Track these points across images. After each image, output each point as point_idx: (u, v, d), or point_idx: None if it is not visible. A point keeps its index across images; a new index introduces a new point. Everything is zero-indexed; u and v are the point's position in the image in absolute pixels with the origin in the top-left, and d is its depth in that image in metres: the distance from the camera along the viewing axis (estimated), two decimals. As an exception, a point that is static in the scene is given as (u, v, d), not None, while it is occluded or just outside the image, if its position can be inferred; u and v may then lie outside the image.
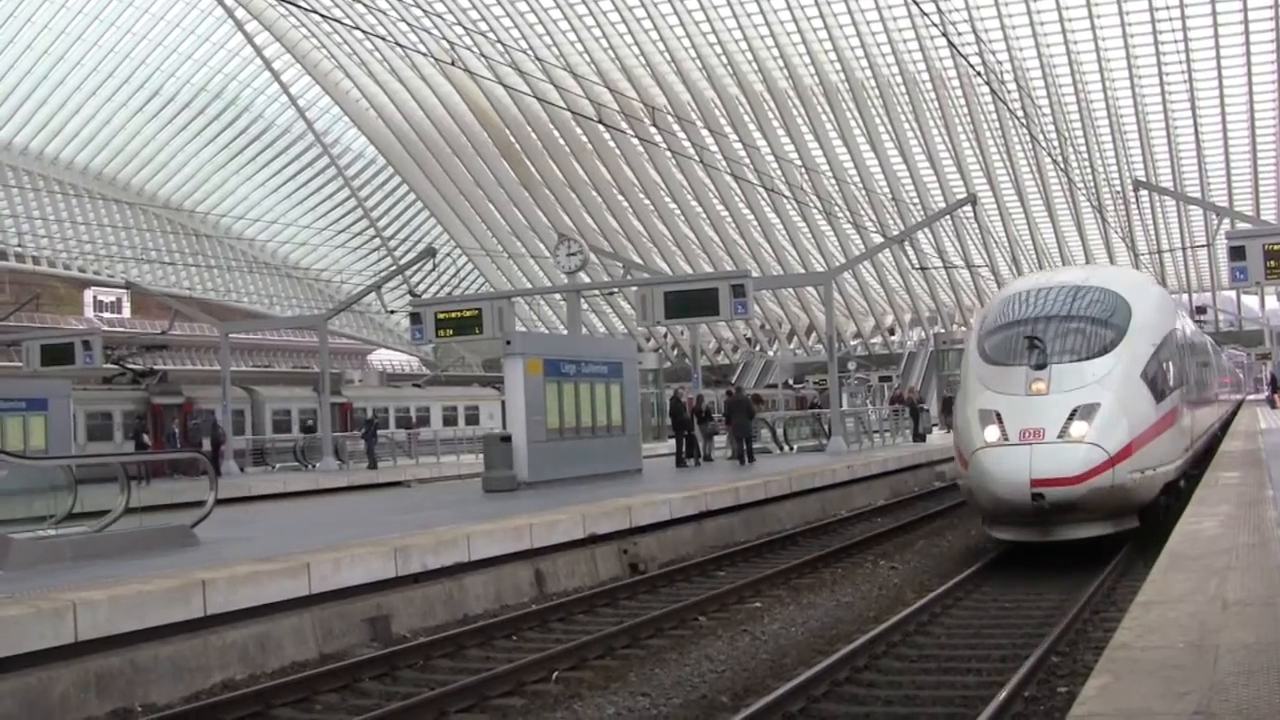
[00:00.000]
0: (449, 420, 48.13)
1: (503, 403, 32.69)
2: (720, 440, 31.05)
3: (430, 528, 14.51)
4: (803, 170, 68.97)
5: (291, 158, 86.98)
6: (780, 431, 35.55)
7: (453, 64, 41.58)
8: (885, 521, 21.08)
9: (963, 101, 69.35)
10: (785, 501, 21.19)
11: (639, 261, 64.09)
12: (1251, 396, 61.88)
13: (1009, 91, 62.76)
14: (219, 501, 15.34)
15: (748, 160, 67.76)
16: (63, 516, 14.43)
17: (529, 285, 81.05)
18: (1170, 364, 15.35)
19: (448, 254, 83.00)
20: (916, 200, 74.00)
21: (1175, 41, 62.77)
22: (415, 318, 31.16)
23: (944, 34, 46.24)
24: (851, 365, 63.28)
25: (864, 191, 73.71)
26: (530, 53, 62.20)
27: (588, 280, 38.72)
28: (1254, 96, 66.73)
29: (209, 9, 72.33)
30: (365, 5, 53.69)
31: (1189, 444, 16.61)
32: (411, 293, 39.11)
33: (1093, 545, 14.02)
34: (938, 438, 35.80)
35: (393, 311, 66.84)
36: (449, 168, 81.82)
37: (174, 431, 34.89)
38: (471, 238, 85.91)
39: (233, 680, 10.06)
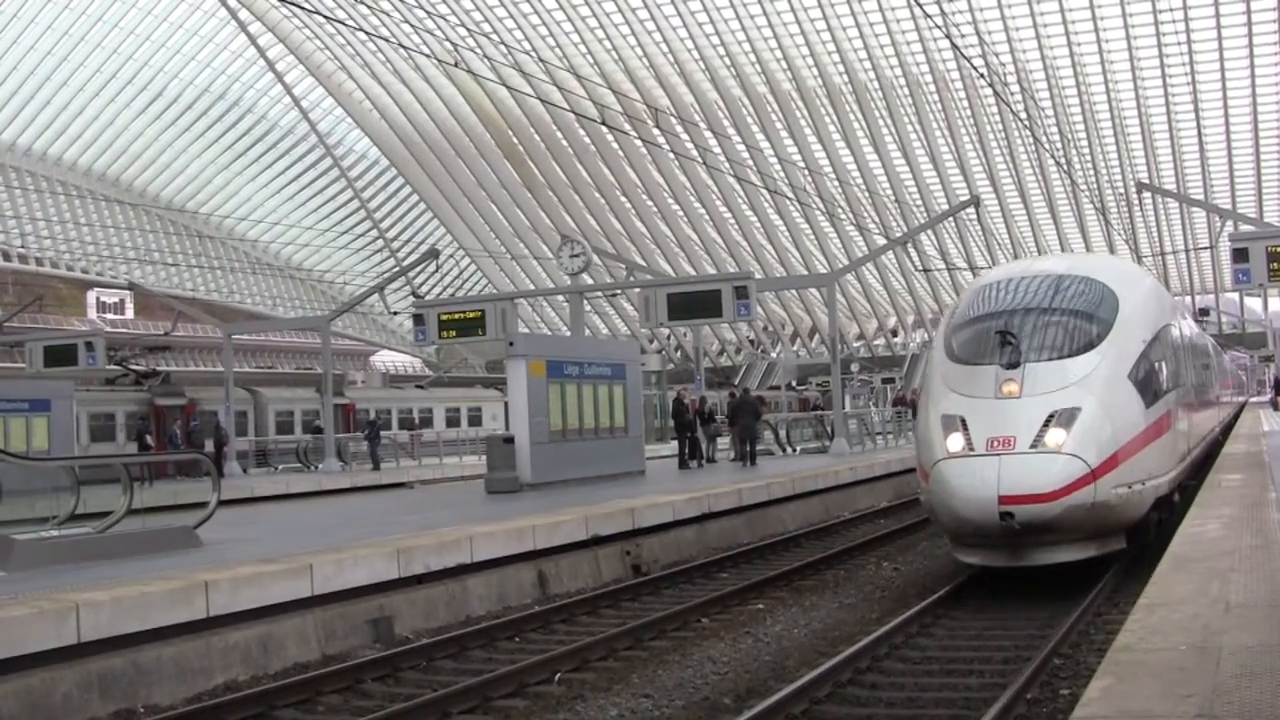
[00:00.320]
0: (452, 421, 48.16)
1: (505, 404, 32.75)
2: (723, 442, 31.04)
3: (433, 529, 14.52)
4: (805, 171, 68.97)
5: (294, 159, 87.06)
6: (783, 433, 35.55)
7: (456, 65, 41.54)
8: (888, 523, 21.06)
9: (966, 103, 69.34)
10: (788, 503, 21.19)
11: (642, 263, 64.17)
12: (1254, 399, 61.79)
13: (1012, 93, 62.78)
14: (222, 503, 15.36)
15: (750, 161, 67.77)
16: (65, 517, 14.45)
17: (532, 287, 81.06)
18: (1163, 363, 13.72)
19: (450, 255, 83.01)
20: (919, 201, 74.02)
21: (1179, 43, 62.77)
22: (418, 319, 31.17)
23: (947, 35, 46.23)
24: (854, 367, 63.29)
25: (867, 193, 73.72)
26: (533, 54, 62.22)
27: (590, 282, 38.69)
28: (1257, 97, 66.73)
29: (212, 10, 72.41)
30: (368, 6, 53.70)
31: (1185, 452, 14.95)
32: (414, 294, 39.10)
33: (1079, 565, 12.36)
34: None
35: (396, 313, 66.98)
36: (452, 169, 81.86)
37: (174, 432, 34.92)
38: (474, 239, 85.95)
39: (235, 681, 10.07)
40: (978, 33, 60.32)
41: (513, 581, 13.77)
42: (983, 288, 14.28)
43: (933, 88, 69.06)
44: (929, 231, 64.86)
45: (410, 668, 10.51)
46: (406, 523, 15.77)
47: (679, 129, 66.57)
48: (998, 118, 69.03)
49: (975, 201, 37.98)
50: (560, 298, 68.42)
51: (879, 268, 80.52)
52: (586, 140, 76.15)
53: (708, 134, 69.35)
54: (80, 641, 9.26)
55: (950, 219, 61.09)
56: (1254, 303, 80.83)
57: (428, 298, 41.98)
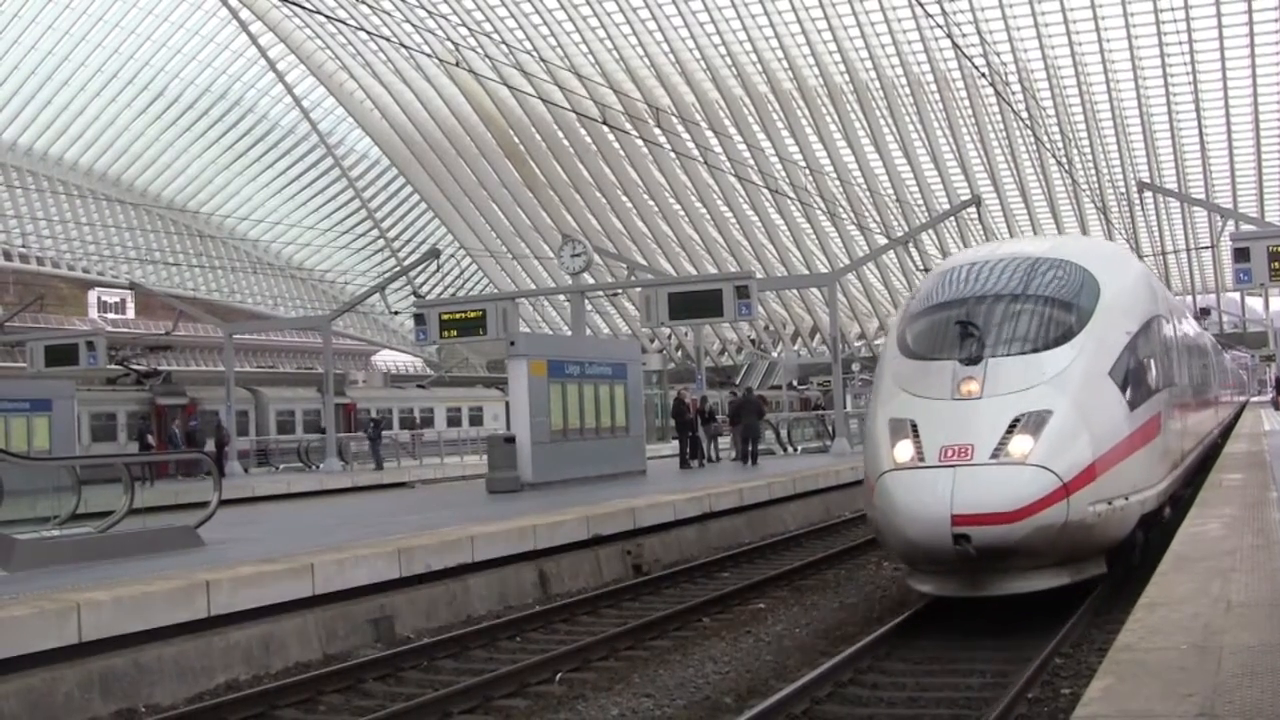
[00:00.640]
0: (453, 421, 48.19)
1: (506, 404, 32.78)
2: (724, 441, 31.03)
3: (434, 529, 14.52)
4: (806, 171, 69.01)
5: (295, 159, 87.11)
6: (784, 433, 35.55)
7: (457, 65, 41.63)
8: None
9: (967, 102, 69.37)
10: (789, 503, 21.19)
11: (643, 262, 64.16)
12: (1255, 399, 61.77)
13: (1013, 92, 62.78)
14: (223, 502, 15.37)
15: (751, 161, 67.81)
16: (66, 517, 14.46)
17: (533, 286, 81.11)
18: (1152, 358, 12.11)
19: (452, 255, 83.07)
20: (920, 201, 74.03)
21: (1180, 42, 62.80)
22: (419, 319, 31.19)
23: (948, 35, 46.26)
24: (855, 366, 63.27)
25: (868, 192, 73.75)
26: (534, 54, 62.23)
27: (592, 281, 38.73)
28: (1259, 97, 66.75)
29: (213, 10, 72.47)
30: (369, 6, 53.75)
31: (1178, 460, 13.25)
32: (415, 294, 39.11)
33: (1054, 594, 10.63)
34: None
35: (397, 312, 66.99)
36: (453, 168, 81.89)
37: (175, 432, 34.93)
38: (475, 239, 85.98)
39: (237, 681, 10.07)
40: (979, 32, 60.35)
41: (514, 581, 13.77)
42: (945, 272, 12.50)
43: (934, 87, 69.08)
44: (930, 231, 64.89)
45: (411, 667, 10.51)
46: (407, 522, 15.78)
47: (680, 128, 66.61)
48: (999, 117, 69.05)
49: (976, 201, 37.99)
50: (561, 297, 68.43)
51: (880, 267, 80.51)
52: (587, 139, 76.18)
53: (709, 133, 69.38)
54: (81, 641, 9.26)
55: (951, 218, 61.08)
56: (1255, 302, 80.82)
57: (429, 297, 42.02)
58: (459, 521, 15.43)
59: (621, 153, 76.43)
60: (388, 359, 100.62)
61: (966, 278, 11.99)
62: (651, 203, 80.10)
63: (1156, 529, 11.77)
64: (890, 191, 74.06)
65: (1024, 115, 60.71)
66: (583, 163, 78.86)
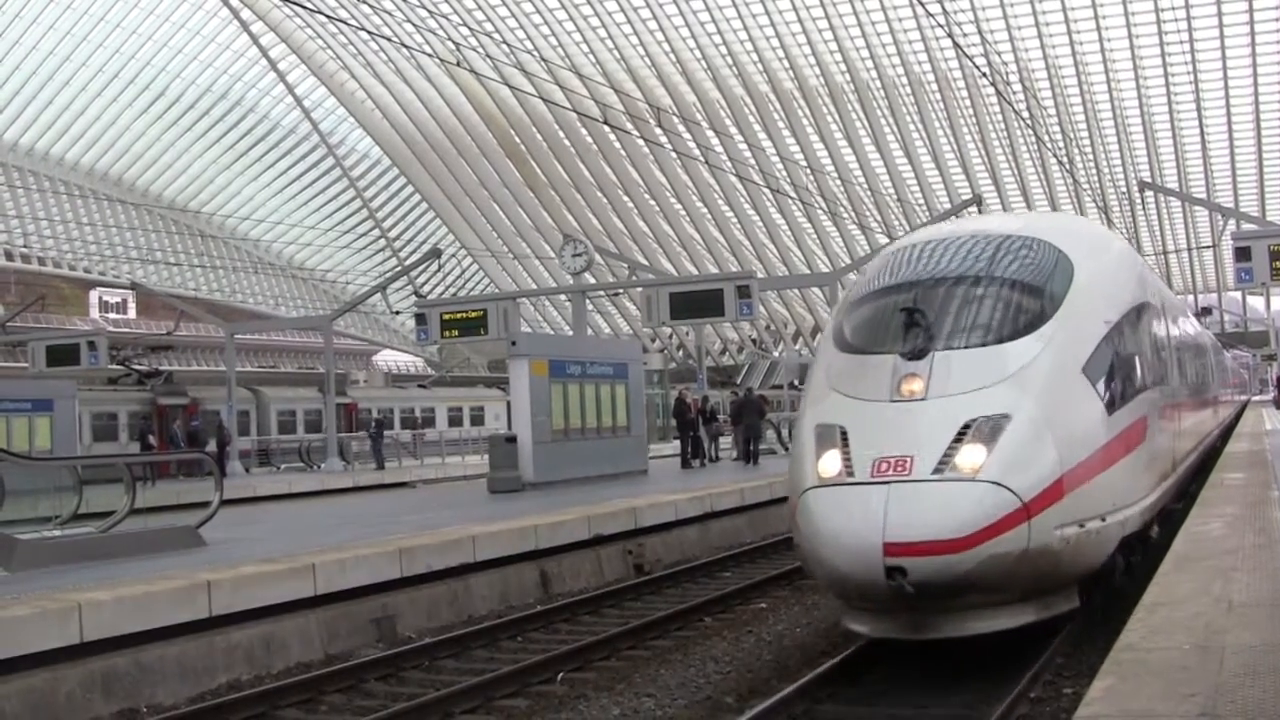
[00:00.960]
0: (454, 421, 48.21)
1: (508, 403, 32.78)
2: (725, 441, 31.02)
3: (435, 528, 14.52)
4: (807, 171, 69.02)
5: (297, 159, 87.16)
6: (785, 432, 35.54)
7: (458, 65, 41.68)
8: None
9: (967, 102, 69.36)
10: (790, 502, 21.14)
11: (644, 262, 64.14)
12: (1256, 398, 61.75)
13: (1014, 92, 62.77)
14: (224, 502, 15.38)
15: (752, 161, 67.82)
16: (68, 517, 14.47)
17: (534, 286, 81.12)
18: (1137, 352, 10.39)
19: (453, 255, 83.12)
20: (921, 201, 74.02)
21: (1181, 41, 62.78)
22: (420, 318, 31.21)
23: (949, 34, 46.25)
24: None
25: (869, 192, 73.75)
26: (535, 53, 62.26)
27: (593, 281, 38.74)
28: (1260, 96, 66.72)
29: (214, 10, 72.51)
30: (370, 6, 53.76)
31: (1168, 470, 11.48)
32: (417, 293, 39.16)
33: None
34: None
35: (398, 312, 66.98)
36: (454, 168, 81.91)
37: (176, 432, 34.95)
38: (476, 238, 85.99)
39: (238, 681, 10.08)
40: (980, 31, 60.32)
41: (515, 581, 13.77)
42: (895, 252, 10.74)
43: (935, 86, 69.08)
44: (931, 230, 64.70)
45: (413, 667, 10.51)
46: (409, 522, 15.78)
47: (681, 128, 66.61)
48: (1000, 116, 69.05)
49: (977, 200, 38.01)
50: (562, 297, 68.42)
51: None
52: (588, 139, 76.19)
53: (710, 133, 69.37)
54: (83, 641, 9.27)
55: (952, 218, 61.01)
56: (1256, 302, 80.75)
57: (430, 297, 42.07)
58: (460, 521, 15.43)
59: (622, 152, 76.44)
60: (389, 359, 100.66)
61: (919, 258, 10.18)
62: (653, 202, 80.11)
63: (1141, 551, 10.13)
64: (891, 191, 74.04)
65: (1025, 114, 60.70)
66: (584, 162, 78.87)
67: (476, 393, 52.83)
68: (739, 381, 67.18)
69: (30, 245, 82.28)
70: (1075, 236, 10.90)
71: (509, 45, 59.93)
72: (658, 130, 64.19)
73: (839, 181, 72.76)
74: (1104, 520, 8.89)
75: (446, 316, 30.70)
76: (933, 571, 7.95)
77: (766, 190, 67.64)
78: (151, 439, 33.82)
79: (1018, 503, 8.11)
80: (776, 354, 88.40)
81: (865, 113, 71.05)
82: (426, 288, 54.84)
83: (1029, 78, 65.15)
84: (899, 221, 70.86)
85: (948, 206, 61.69)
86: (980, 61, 56.99)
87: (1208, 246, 68.28)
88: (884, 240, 64.73)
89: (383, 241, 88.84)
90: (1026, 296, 9.45)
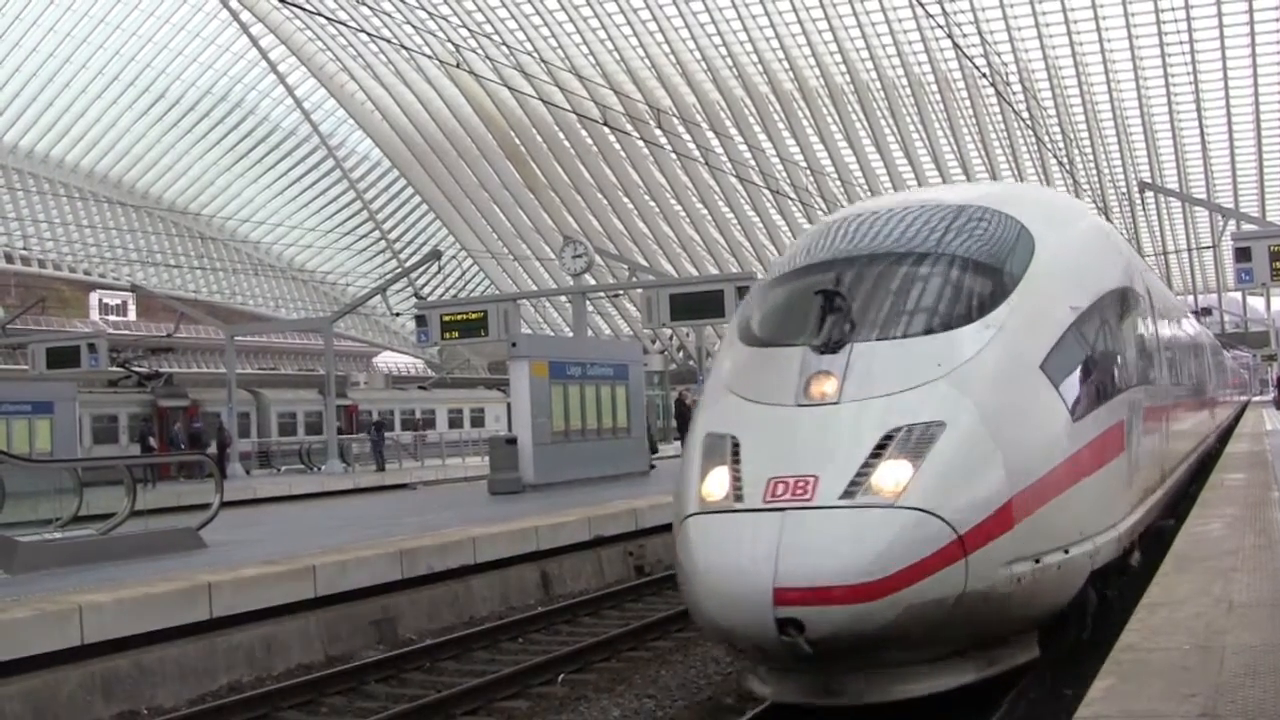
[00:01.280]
0: (454, 423, 48.22)
1: (508, 405, 32.79)
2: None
3: (436, 530, 14.52)
4: (808, 171, 69.02)
5: (296, 160, 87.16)
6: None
7: (458, 66, 41.64)
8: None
9: (968, 102, 69.38)
10: (791, 503, 21.10)
11: (644, 263, 64.12)
12: (1257, 398, 61.74)
13: (1014, 93, 62.76)
14: (224, 504, 15.38)
15: (752, 162, 67.81)
16: (68, 519, 14.47)
17: (534, 287, 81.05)
18: (1115, 346, 8.53)
19: (453, 256, 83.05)
20: (922, 201, 73.93)
21: (1180, 41, 62.79)
22: (420, 320, 31.26)
23: (949, 35, 46.23)
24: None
25: (869, 192, 73.70)
26: (535, 55, 62.27)
27: (593, 282, 38.74)
28: (1260, 97, 66.71)
29: (214, 12, 72.53)
30: (370, 8, 53.76)
31: (1154, 483, 9.67)
32: (417, 295, 39.22)
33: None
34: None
35: (398, 314, 66.77)
36: (454, 170, 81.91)
37: (177, 434, 34.97)
38: (476, 240, 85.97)
39: (239, 683, 10.08)
40: (979, 32, 60.34)
41: (516, 582, 13.76)
42: (826, 225, 8.91)
43: (935, 87, 69.10)
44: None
45: (413, 669, 10.52)
46: (409, 524, 15.78)
47: (681, 129, 66.60)
48: (999, 117, 69.06)
49: (977, 201, 37.89)
50: (563, 298, 68.39)
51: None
52: (588, 141, 76.19)
53: (710, 134, 69.39)
54: (84, 643, 9.27)
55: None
56: (1256, 302, 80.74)
57: (430, 299, 42.07)
58: (461, 523, 15.43)
59: (622, 153, 76.44)
60: (389, 360, 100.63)
61: (851, 233, 8.32)
62: (653, 203, 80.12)
63: (1119, 582, 8.35)
64: (891, 191, 74.02)
65: (1025, 115, 60.67)
66: (584, 164, 78.88)
67: (477, 394, 52.86)
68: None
69: (30, 247, 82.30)
70: (1040, 206, 9.19)
71: (508, 47, 59.94)
72: (657, 131, 64.17)
73: (839, 182, 72.78)
74: (1067, 552, 7.11)
75: (447, 318, 30.75)
76: (837, 625, 6.21)
77: (766, 191, 67.64)
78: (152, 441, 33.86)
79: (951, 535, 6.38)
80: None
81: (865, 113, 71.07)
82: (427, 289, 54.87)
83: (1029, 78, 65.16)
84: (899, 222, 70.72)
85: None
86: (980, 62, 57.00)
87: (1208, 247, 68.28)
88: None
89: (383, 243, 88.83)
90: (973, 276, 7.59)
